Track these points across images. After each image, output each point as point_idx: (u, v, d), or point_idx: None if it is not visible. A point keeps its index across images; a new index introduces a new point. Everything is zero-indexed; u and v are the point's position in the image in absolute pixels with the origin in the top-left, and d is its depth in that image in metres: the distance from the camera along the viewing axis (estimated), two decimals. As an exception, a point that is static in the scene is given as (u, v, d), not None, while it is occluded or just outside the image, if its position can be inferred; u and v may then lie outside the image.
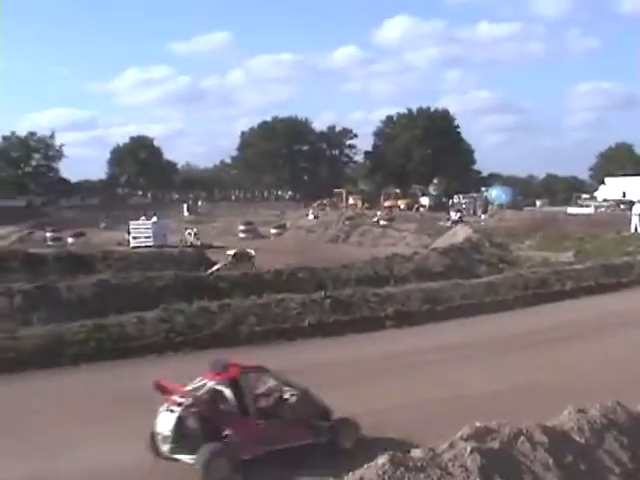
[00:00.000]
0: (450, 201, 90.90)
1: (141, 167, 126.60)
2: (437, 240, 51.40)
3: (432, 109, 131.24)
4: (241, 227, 65.58)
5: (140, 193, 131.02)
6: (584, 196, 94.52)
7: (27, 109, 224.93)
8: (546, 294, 25.86)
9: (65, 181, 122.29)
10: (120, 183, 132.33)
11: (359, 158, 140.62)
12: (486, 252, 40.94)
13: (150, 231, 52.53)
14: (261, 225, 68.34)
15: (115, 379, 15.06)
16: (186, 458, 9.81)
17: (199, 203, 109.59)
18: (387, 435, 11.13)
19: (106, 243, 50.89)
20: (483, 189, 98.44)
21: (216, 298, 20.75)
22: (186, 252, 39.82)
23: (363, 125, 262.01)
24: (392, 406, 12.79)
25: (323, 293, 21.91)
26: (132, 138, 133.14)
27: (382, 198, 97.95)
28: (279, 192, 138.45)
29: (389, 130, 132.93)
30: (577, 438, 7.60)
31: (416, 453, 6.89)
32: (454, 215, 68.18)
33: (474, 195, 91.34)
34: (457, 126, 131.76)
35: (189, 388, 10.32)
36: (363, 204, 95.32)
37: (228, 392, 10.24)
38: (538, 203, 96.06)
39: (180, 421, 9.91)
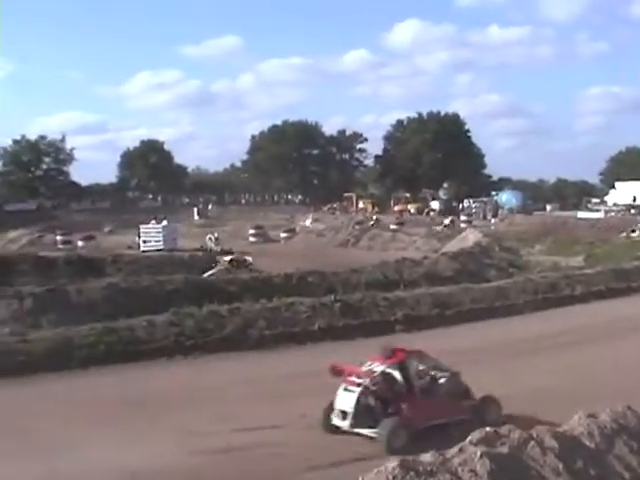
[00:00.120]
0: (460, 205, 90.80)
1: (151, 171, 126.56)
2: (447, 244, 51.29)
3: (442, 113, 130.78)
4: (251, 231, 65.48)
5: (150, 197, 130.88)
6: (594, 200, 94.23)
7: (38, 113, 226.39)
8: (556, 298, 25.80)
9: (75, 184, 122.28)
10: (130, 187, 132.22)
11: (369, 162, 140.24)
12: (496, 256, 40.90)
13: (160, 235, 52.55)
14: (271, 229, 68.29)
15: (124, 382, 15.09)
16: (365, 431, 11.33)
17: (209, 207, 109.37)
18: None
19: (116, 247, 50.96)
20: (493, 193, 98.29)
21: (226, 302, 20.76)
22: (196, 256, 39.81)
23: (373, 129, 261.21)
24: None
25: (333, 297, 21.92)
26: (142, 142, 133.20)
27: (392, 202, 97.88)
28: (289, 196, 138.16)
29: (399, 134, 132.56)
30: (587, 443, 7.58)
31: (426, 457, 6.89)
32: (446, 220, 68.46)
33: (484, 199, 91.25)
34: (467, 130, 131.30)
35: (363, 370, 11.77)
36: (373, 208, 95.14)
37: (397, 374, 11.77)
38: (548, 207, 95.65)
39: (360, 399, 11.38)
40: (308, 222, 77.51)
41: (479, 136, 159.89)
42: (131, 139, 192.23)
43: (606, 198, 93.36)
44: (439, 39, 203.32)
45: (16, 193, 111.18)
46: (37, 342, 16.75)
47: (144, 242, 51.85)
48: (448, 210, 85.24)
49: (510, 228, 62.39)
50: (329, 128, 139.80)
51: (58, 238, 59.86)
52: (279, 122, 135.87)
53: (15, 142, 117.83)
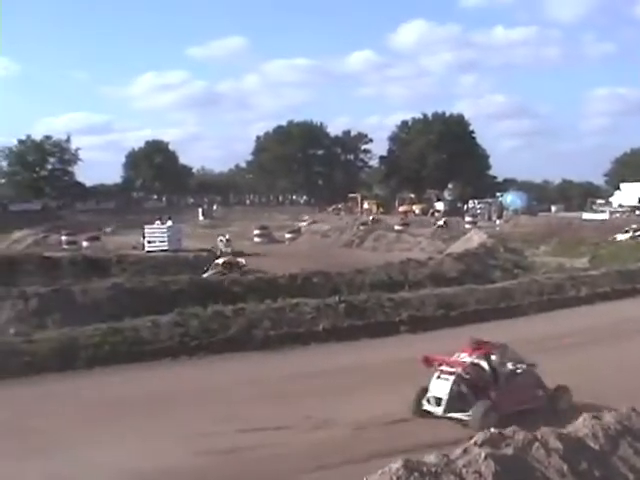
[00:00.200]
0: (465, 206, 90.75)
1: (156, 171, 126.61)
2: (452, 245, 51.24)
3: (447, 114, 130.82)
4: (256, 232, 65.49)
5: (155, 197, 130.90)
6: (599, 202, 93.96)
7: (43, 113, 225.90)
8: (561, 300, 25.79)
9: (80, 185, 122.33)
10: (135, 187, 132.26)
11: (374, 163, 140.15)
12: (501, 257, 40.86)
13: (165, 235, 52.55)
14: (276, 230, 68.29)
15: (129, 383, 15.12)
16: (458, 415, 12.28)
17: (214, 207, 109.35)
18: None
19: (121, 247, 51.00)
20: (498, 194, 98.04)
21: (231, 302, 20.78)
22: (201, 257, 39.80)
23: (378, 130, 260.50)
24: (402, 412, 12.83)
25: (337, 298, 21.92)
26: (147, 142, 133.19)
27: (397, 203, 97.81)
28: (294, 197, 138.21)
29: (404, 135, 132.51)
30: (592, 444, 7.57)
31: (430, 459, 6.88)
32: (440, 221, 68.60)
33: (489, 200, 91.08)
34: (472, 131, 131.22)
35: (455, 360, 12.80)
36: (378, 209, 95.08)
37: (485, 364, 12.73)
38: (553, 208, 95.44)
39: (454, 386, 12.40)
40: (304, 223, 77.40)
41: (484, 137, 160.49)
42: (136, 139, 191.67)
43: (611, 199, 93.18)
44: (444, 40, 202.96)
45: (21, 193, 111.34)
46: (42, 342, 16.78)
47: (149, 242, 51.86)
48: (453, 211, 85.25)
49: (515, 229, 62.30)
50: (334, 129, 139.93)
51: (63, 238, 59.83)
52: (284, 123, 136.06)
53: (20, 142, 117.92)
